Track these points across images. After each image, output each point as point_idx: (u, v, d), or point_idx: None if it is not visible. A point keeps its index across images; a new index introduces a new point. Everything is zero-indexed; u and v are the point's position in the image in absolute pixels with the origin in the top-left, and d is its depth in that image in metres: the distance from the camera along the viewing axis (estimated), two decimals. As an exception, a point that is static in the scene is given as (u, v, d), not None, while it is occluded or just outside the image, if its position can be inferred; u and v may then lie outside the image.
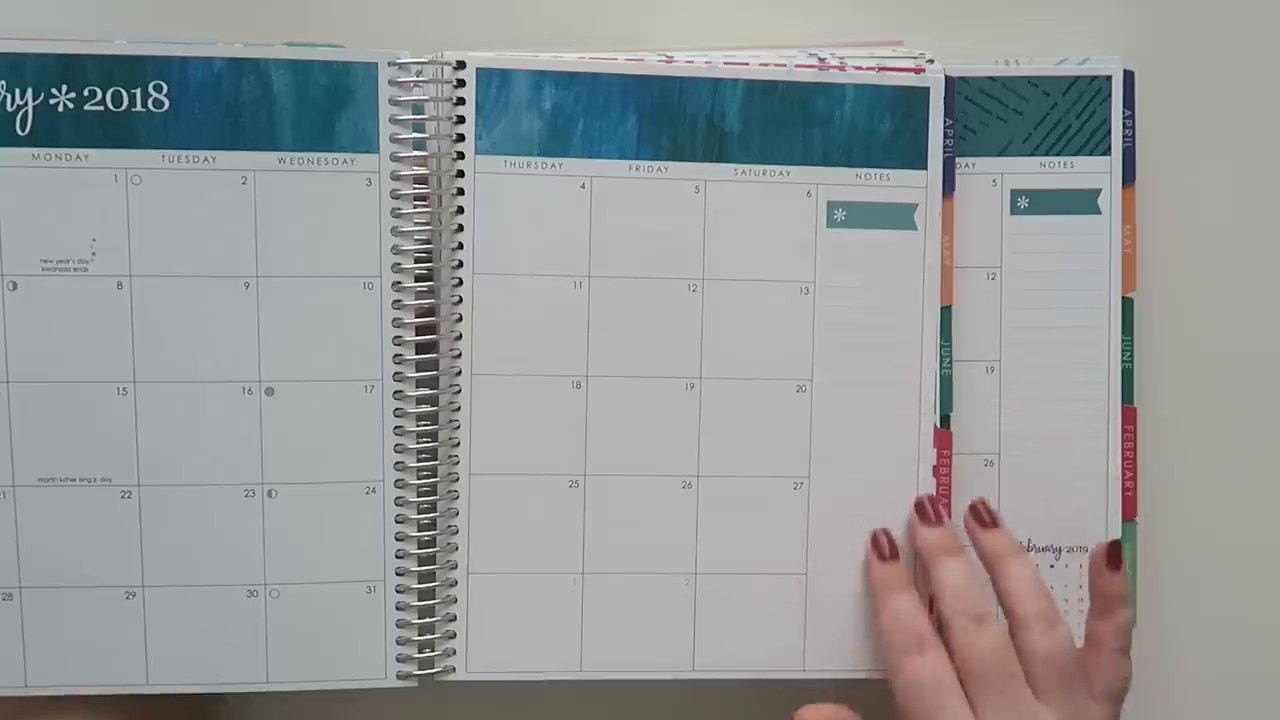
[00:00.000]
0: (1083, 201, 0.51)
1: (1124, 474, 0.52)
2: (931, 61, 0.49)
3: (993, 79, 0.51)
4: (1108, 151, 0.51)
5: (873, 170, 0.49)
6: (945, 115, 0.49)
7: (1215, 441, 0.54)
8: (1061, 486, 0.51)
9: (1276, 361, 0.55)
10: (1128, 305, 0.51)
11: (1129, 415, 0.52)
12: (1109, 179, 0.51)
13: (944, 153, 0.49)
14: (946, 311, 0.50)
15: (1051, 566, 0.52)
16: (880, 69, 0.49)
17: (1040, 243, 0.51)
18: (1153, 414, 0.53)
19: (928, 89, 0.49)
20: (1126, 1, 0.54)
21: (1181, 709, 0.55)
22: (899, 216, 0.50)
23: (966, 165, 0.51)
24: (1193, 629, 0.55)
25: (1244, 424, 0.54)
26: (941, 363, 0.50)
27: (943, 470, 0.50)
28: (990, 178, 0.51)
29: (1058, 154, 0.51)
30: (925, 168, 0.49)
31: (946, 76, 0.49)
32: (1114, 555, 0.48)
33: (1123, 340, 0.51)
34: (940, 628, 0.47)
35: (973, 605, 0.46)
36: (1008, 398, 0.51)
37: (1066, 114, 0.51)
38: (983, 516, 0.49)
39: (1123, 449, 0.51)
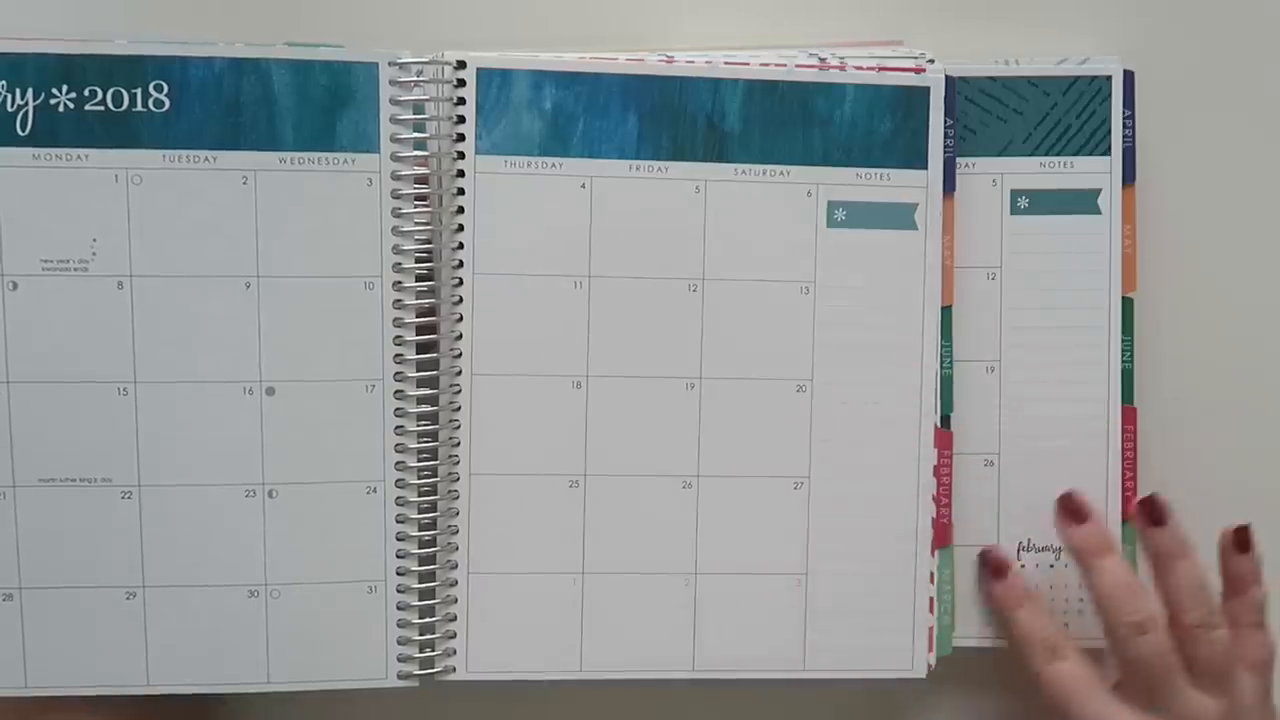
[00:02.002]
0: (1083, 201, 0.51)
1: (1124, 474, 0.52)
2: (932, 61, 0.49)
3: (993, 79, 0.51)
4: (1108, 151, 0.51)
5: (873, 170, 0.49)
6: (946, 115, 0.49)
7: (1215, 441, 0.54)
8: (1061, 486, 0.51)
9: (1276, 361, 0.55)
10: (1128, 305, 0.51)
11: (1129, 415, 0.52)
12: (1109, 179, 0.51)
13: (944, 153, 0.49)
14: (947, 311, 0.50)
15: (1051, 566, 0.52)
16: (880, 69, 0.49)
17: (1040, 243, 0.51)
18: (1153, 414, 0.53)
19: (928, 89, 0.49)
20: (1126, 1, 0.54)
21: None
22: (899, 216, 0.50)
23: (966, 165, 0.51)
24: None
25: (1244, 423, 0.54)
26: (942, 363, 0.50)
27: (943, 470, 0.50)
28: (990, 178, 0.51)
29: (1058, 154, 0.51)
30: (926, 167, 0.49)
31: (947, 76, 0.49)
32: (1242, 539, 0.49)
33: (1123, 340, 0.51)
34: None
35: (1130, 611, 0.48)
36: (1008, 398, 0.51)
37: (1066, 114, 0.51)
38: (1155, 513, 0.49)
39: (1123, 449, 0.52)
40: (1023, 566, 0.51)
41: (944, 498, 0.50)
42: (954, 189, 0.50)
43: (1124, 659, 0.48)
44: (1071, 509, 0.50)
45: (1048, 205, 0.51)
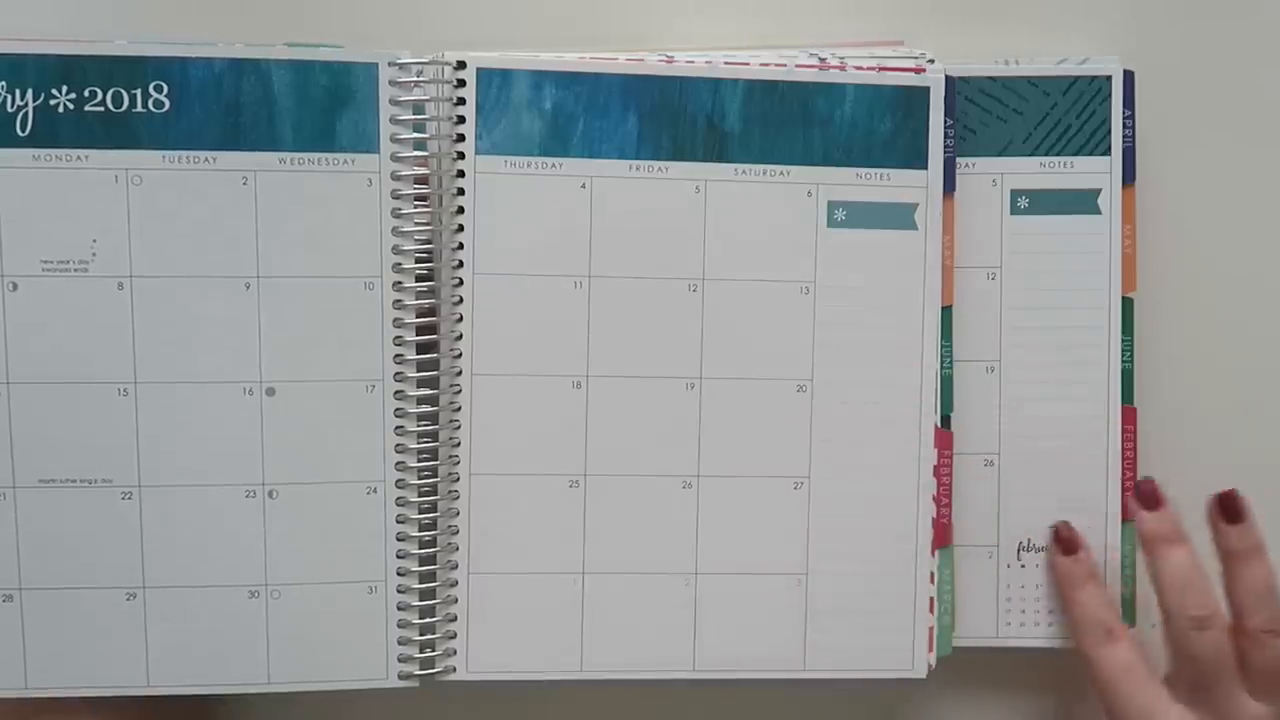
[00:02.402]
0: (1083, 201, 0.51)
1: (1124, 474, 0.51)
2: (932, 61, 0.49)
3: (993, 79, 0.51)
4: (1108, 151, 0.51)
5: (873, 170, 0.49)
6: (945, 115, 0.49)
7: (1215, 441, 0.54)
8: (1061, 486, 0.51)
9: (1276, 361, 0.55)
10: (1128, 305, 0.51)
11: (1129, 415, 0.52)
12: (1109, 179, 0.51)
13: (944, 152, 0.49)
14: (947, 311, 0.50)
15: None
16: (880, 69, 0.49)
17: (1040, 243, 0.51)
18: (1153, 414, 0.53)
19: (928, 89, 0.49)
20: (1126, 1, 0.54)
21: None
22: (899, 216, 0.50)
23: (966, 165, 0.51)
24: None
25: (1244, 424, 0.54)
26: (942, 362, 0.50)
27: (943, 470, 0.50)
28: (990, 178, 0.51)
29: (1058, 154, 0.51)
30: (926, 167, 0.49)
31: (947, 76, 0.49)
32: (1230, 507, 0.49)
33: (1123, 340, 0.51)
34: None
35: (1193, 606, 0.47)
36: (1008, 398, 0.51)
37: (1066, 114, 0.51)
38: (1230, 510, 0.48)
39: (1123, 449, 0.51)
40: (1023, 566, 0.51)
41: (944, 498, 0.50)
42: (954, 189, 0.50)
43: (1180, 652, 0.48)
44: (1146, 494, 0.50)
45: (1048, 205, 0.51)
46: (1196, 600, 0.47)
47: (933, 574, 0.50)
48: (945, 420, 0.50)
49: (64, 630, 0.47)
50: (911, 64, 0.49)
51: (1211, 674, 0.47)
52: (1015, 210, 0.51)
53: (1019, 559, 0.51)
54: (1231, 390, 0.54)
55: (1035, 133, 0.51)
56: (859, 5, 0.53)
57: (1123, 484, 0.52)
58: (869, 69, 0.49)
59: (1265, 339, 0.55)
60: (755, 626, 0.49)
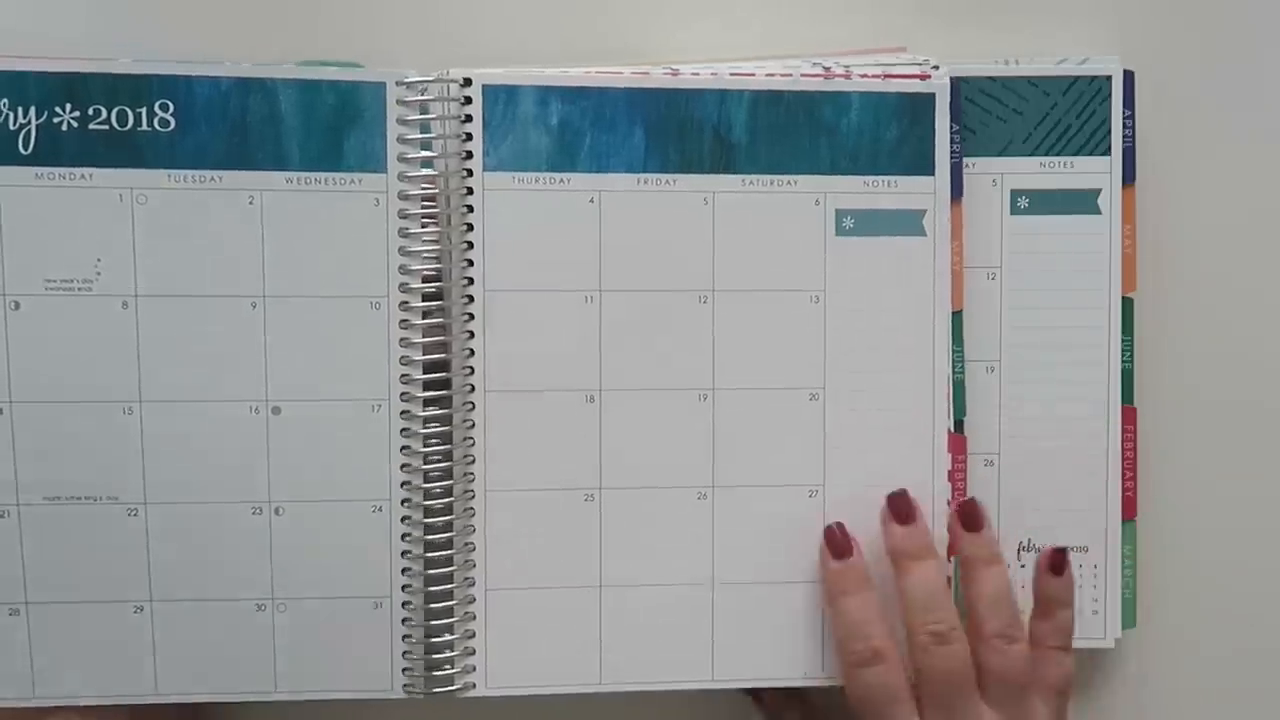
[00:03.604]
0: (1083, 201, 0.51)
1: (1124, 474, 0.52)
2: (936, 68, 0.49)
3: (993, 79, 0.51)
4: (1108, 151, 0.51)
5: (880, 177, 0.49)
6: (951, 120, 0.49)
7: (1215, 441, 0.54)
8: (1061, 486, 0.51)
9: (1276, 361, 0.55)
10: (1128, 305, 0.51)
11: (1129, 415, 0.52)
12: (1109, 179, 0.51)
13: (951, 158, 0.49)
14: (957, 316, 0.50)
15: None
16: (885, 76, 0.49)
17: (1040, 243, 0.51)
18: (1153, 414, 0.53)
19: (933, 95, 0.49)
20: (1126, 1, 0.54)
21: (1182, 708, 0.55)
22: (908, 223, 0.50)
23: (967, 165, 0.51)
24: (1193, 629, 0.55)
25: (1244, 424, 0.55)
26: (954, 367, 0.50)
27: (958, 475, 0.50)
28: (990, 178, 0.51)
29: (1058, 154, 0.51)
30: (933, 173, 0.49)
31: (952, 81, 0.49)
32: (1057, 562, 0.49)
33: (1123, 340, 0.51)
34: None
35: (935, 621, 0.47)
36: (1008, 398, 0.51)
37: (1066, 114, 0.51)
38: (968, 518, 0.49)
39: (1123, 449, 0.51)
40: (1023, 566, 0.51)
41: (958, 502, 0.50)
42: (961, 194, 0.50)
43: (920, 667, 0.47)
44: (898, 509, 0.49)
45: (1048, 205, 0.51)
46: (937, 614, 0.47)
47: (949, 579, 0.49)
48: (958, 425, 0.50)
49: (71, 641, 0.47)
50: (916, 70, 0.49)
51: (953, 689, 0.47)
52: (1015, 210, 0.51)
53: (1019, 559, 0.51)
54: (1231, 390, 0.54)
55: (1035, 133, 0.51)
56: (860, 6, 0.53)
57: (1123, 484, 0.51)
58: (874, 76, 0.49)
59: (1265, 339, 0.55)
60: (775, 634, 0.49)
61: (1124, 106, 0.51)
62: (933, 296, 0.50)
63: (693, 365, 0.49)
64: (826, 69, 0.49)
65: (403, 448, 0.47)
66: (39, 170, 0.45)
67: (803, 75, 0.49)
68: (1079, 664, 0.50)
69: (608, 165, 0.48)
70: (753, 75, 0.49)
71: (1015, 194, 0.51)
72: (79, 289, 0.46)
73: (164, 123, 0.45)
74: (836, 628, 0.48)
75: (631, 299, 0.49)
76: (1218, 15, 0.54)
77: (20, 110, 0.45)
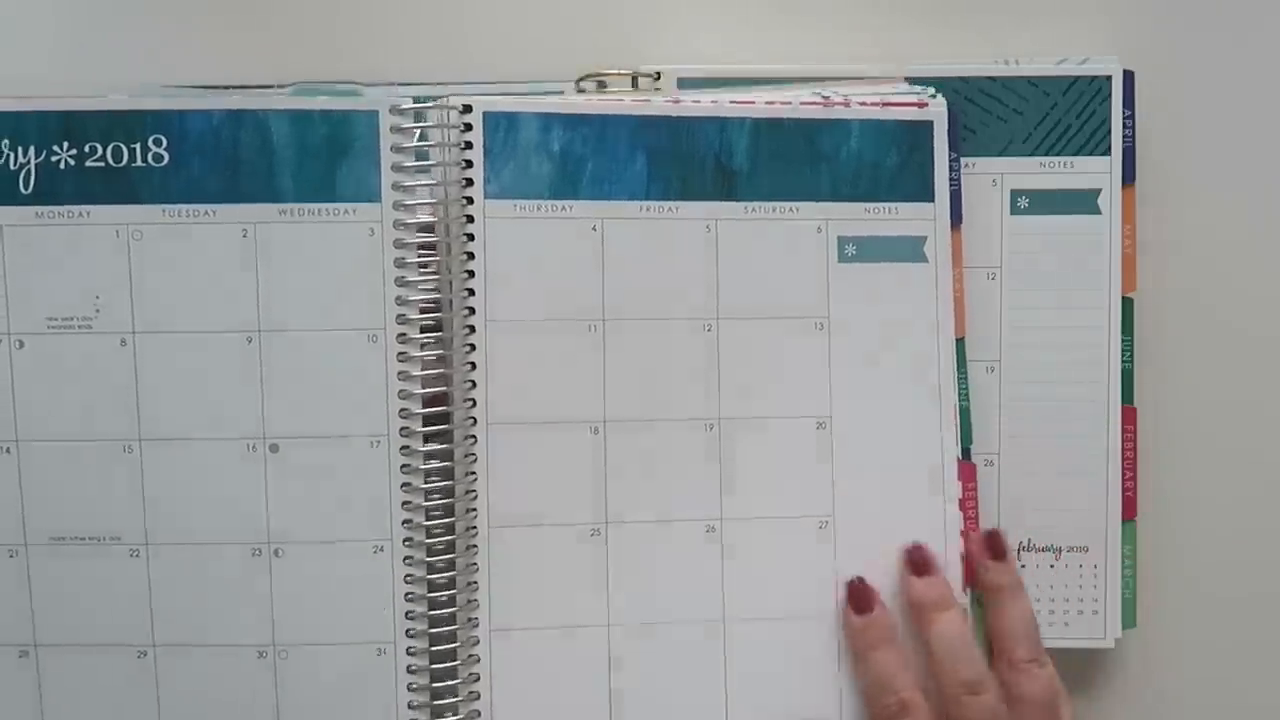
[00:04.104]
0: (1083, 201, 0.51)
1: (1124, 474, 0.51)
2: (934, 95, 0.49)
3: (993, 79, 0.51)
4: (1108, 151, 0.51)
5: (881, 204, 0.49)
6: (950, 149, 0.49)
7: (1215, 441, 0.54)
8: (1061, 486, 0.51)
9: (1276, 361, 0.55)
10: (1128, 305, 0.51)
11: (1129, 415, 0.52)
12: (1109, 179, 0.51)
13: (950, 185, 0.49)
14: (960, 343, 0.50)
15: (1051, 566, 0.51)
16: (884, 104, 0.49)
17: (1040, 243, 0.51)
18: (1153, 414, 0.53)
19: (931, 123, 0.49)
20: (1126, 1, 0.54)
21: (1182, 708, 0.55)
22: (909, 249, 0.49)
23: (967, 165, 0.51)
24: (1193, 629, 0.54)
25: (1244, 424, 0.54)
26: (959, 395, 0.50)
27: (968, 503, 0.49)
28: (990, 178, 0.51)
29: (1058, 154, 0.51)
30: (933, 200, 0.49)
31: (950, 110, 0.49)
32: (996, 546, 0.49)
33: (1123, 340, 0.51)
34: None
35: (966, 671, 0.46)
36: (1008, 398, 0.51)
37: (1066, 114, 0.51)
38: (995, 548, 0.49)
39: (1123, 449, 0.51)
40: (1023, 566, 0.51)
41: (971, 532, 0.49)
42: (961, 221, 0.50)
43: (955, 718, 0.46)
44: (916, 561, 0.48)
45: (1048, 205, 0.51)
46: (967, 667, 0.46)
47: (966, 610, 0.49)
48: (966, 452, 0.50)
49: (78, 686, 0.46)
50: (914, 98, 0.49)
51: None
52: (1015, 210, 0.51)
53: (1019, 559, 0.51)
54: (1231, 390, 0.54)
55: (1035, 133, 0.51)
56: (861, 6, 0.53)
57: (1123, 484, 0.51)
58: (873, 105, 0.49)
59: (1265, 339, 0.55)
60: (787, 672, 0.48)
61: (1124, 106, 0.51)
62: (936, 323, 0.49)
63: (698, 395, 0.48)
64: (826, 98, 0.49)
65: (403, 484, 0.46)
66: (39, 210, 0.45)
67: (802, 103, 0.49)
68: (1079, 664, 0.50)
69: (610, 192, 0.48)
70: (753, 103, 0.48)
71: (1015, 194, 0.51)
72: (79, 326, 0.45)
73: (158, 158, 0.45)
74: (864, 682, 0.48)
75: (635, 328, 0.48)
76: (1218, 15, 0.54)
77: (20, 150, 0.45)
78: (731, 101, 0.48)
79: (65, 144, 0.45)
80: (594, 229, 0.48)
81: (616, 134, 0.48)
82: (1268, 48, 0.54)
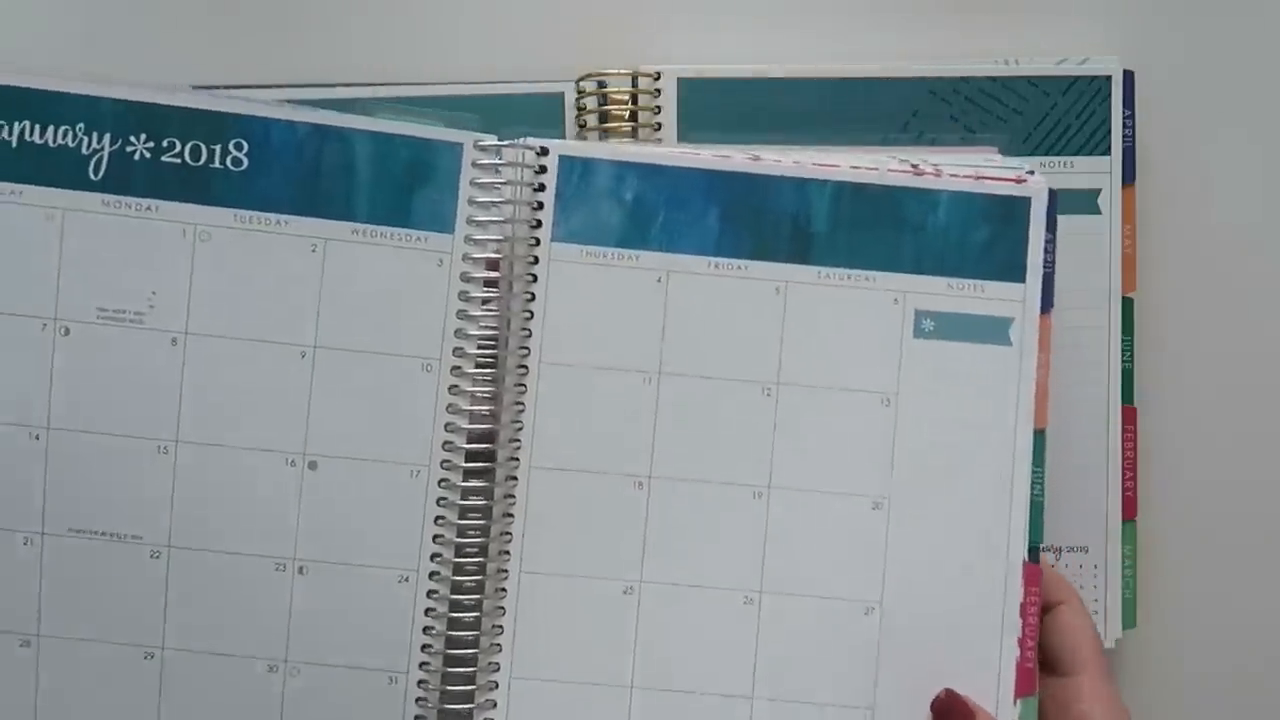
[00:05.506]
0: (1083, 201, 0.51)
1: (1124, 474, 0.51)
2: (1032, 172, 0.47)
3: (993, 79, 0.51)
4: (1108, 151, 0.51)
5: (966, 281, 0.47)
6: (1046, 229, 0.47)
7: (1215, 441, 0.54)
8: (1062, 486, 0.49)
9: (1276, 361, 0.54)
10: (1128, 305, 0.52)
11: (1129, 415, 0.52)
12: (1109, 179, 0.51)
13: (1044, 267, 0.47)
14: (1040, 435, 0.47)
15: (1052, 566, 0.50)
16: (978, 177, 0.47)
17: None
18: (1153, 414, 0.53)
19: (1028, 199, 0.47)
20: (1126, 1, 0.54)
21: (1182, 708, 0.54)
22: (992, 330, 0.47)
23: None
24: (1192, 628, 0.54)
25: (1244, 424, 0.54)
26: (1033, 489, 0.46)
27: (1030, 609, 0.46)
28: None
29: (1058, 154, 0.52)
30: (1023, 281, 0.47)
31: (1050, 190, 0.47)
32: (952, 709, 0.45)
33: (1123, 340, 0.51)
34: None
35: None
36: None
37: (1066, 114, 0.51)
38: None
39: (1123, 449, 0.51)
40: None
41: (1029, 640, 0.46)
42: (1052, 305, 0.47)
43: None
44: (954, 710, 0.45)
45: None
46: None
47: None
48: (1034, 551, 0.46)
49: (79, 680, 0.45)
50: (1011, 173, 0.47)
51: None
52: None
53: None
54: (1231, 390, 0.54)
55: (1035, 133, 0.51)
56: (860, 6, 0.54)
57: (1123, 484, 0.51)
58: (966, 176, 0.47)
59: (1265, 339, 0.55)
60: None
61: (1124, 106, 0.52)
62: (1015, 411, 0.46)
63: (750, 459, 0.46)
64: (915, 165, 0.47)
65: (437, 518, 0.45)
66: (106, 198, 0.45)
67: (889, 171, 0.47)
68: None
69: (679, 245, 0.47)
70: (836, 166, 0.47)
71: None
72: (130, 320, 0.45)
73: (236, 161, 0.45)
74: None
75: (692, 384, 0.46)
76: (1218, 15, 0.54)
77: (95, 136, 0.45)
78: (814, 163, 0.47)
79: (143, 135, 0.45)
80: (659, 281, 0.47)
81: (691, 187, 0.47)
82: (1268, 47, 0.55)
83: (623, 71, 0.52)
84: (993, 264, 0.47)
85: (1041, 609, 0.47)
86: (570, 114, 0.52)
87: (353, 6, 0.53)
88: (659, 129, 0.52)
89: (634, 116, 0.52)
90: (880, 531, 0.46)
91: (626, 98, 0.52)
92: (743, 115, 0.52)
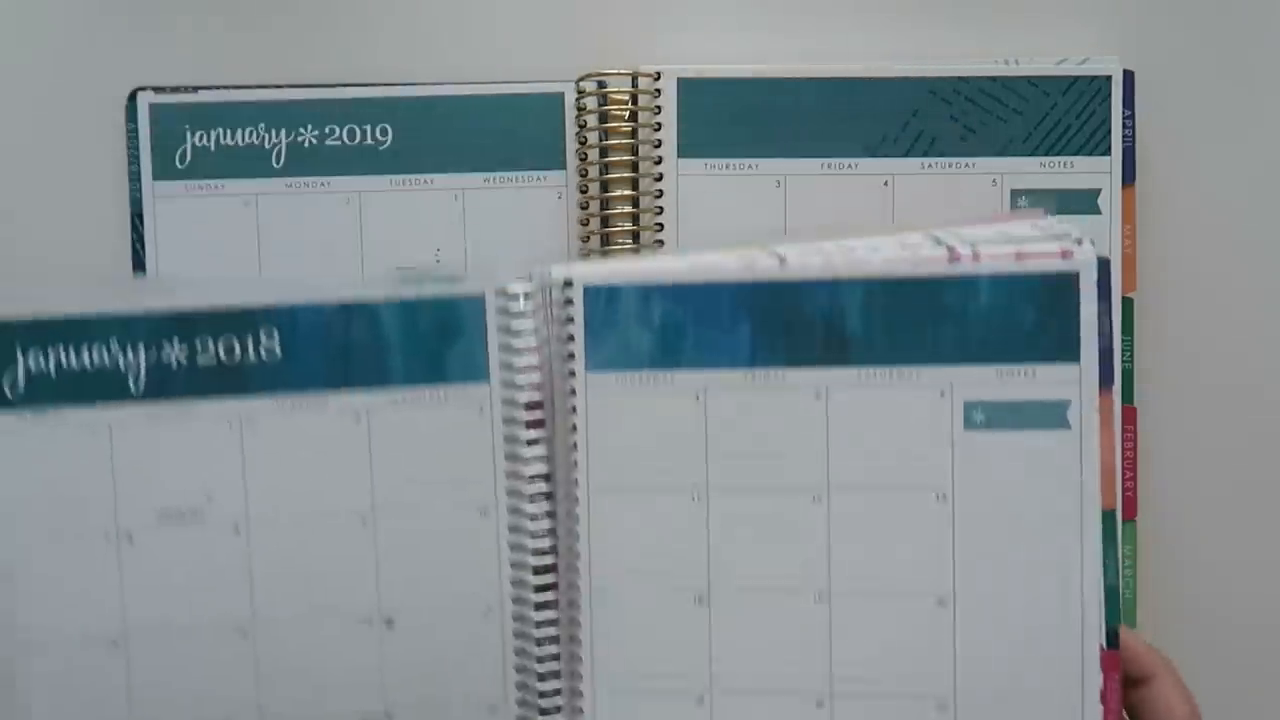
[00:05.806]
0: (1083, 201, 0.51)
1: (1124, 474, 0.51)
2: (1079, 242, 0.44)
3: (993, 79, 0.52)
4: (1108, 151, 0.51)
5: (1016, 366, 0.45)
6: (1099, 299, 0.44)
7: (1215, 441, 0.55)
8: None
9: (1277, 361, 0.54)
10: (1128, 305, 0.52)
11: (1129, 415, 0.53)
12: (1109, 179, 0.52)
13: (1099, 340, 0.44)
14: (1109, 515, 0.45)
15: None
16: (1019, 255, 0.44)
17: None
18: (1153, 414, 0.54)
19: (1076, 274, 0.44)
20: (1126, 1, 0.53)
21: None
22: (1049, 415, 0.45)
23: (966, 165, 0.51)
24: (1192, 628, 0.55)
25: (1244, 424, 0.55)
26: (1107, 572, 0.45)
27: (1110, 695, 0.45)
28: (990, 178, 0.51)
29: (1058, 154, 0.52)
30: (1077, 361, 0.44)
31: (1100, 258, 0.44)
32: None
33: (1123, 340, 0.51)
34: None
35: None
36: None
37: (1066, 114, 0.51)
38: None
39: (1123, 449, 0.52)
40: None
41: (1112, 725, 0.45)
42: (1112, 381, 0.44)
43: None
44: None
45: (1048, 205, 0.50)
46: None
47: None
48: (1112, 637, 0.45)
49: None
50: (1055, 246, 0.44)
51: None
52: (1016, 209, 0.51)
53: None
54: (1231, 390, 0.55)
55: (1035, 133, 0.51)
56: (860, 7, 0.54)
57: (1123, 484, 0.52)
58: (1006, 254, 0.44)
59: (1265, 339, 0.55)
60: None
61: (1124, 106, 0.52)
62: (1079, 495, 0.45)
63: (807, 567, 0.46)
64: (950, 248, 0.45)
65: (517, 650, 0.47)
66: (149, 410, 0.46)
67: (924, 256, 0.45)
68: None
69: (713, 361, 0.46)
70: (867, 261, 0.45)
71: (1015, 194, 0.52)
72: (190, 518, 0.47)
73: (269, 351, 0.46)
74: None
75: (740, 498, 0.46)
76: (1218, 15, 0.54)
77: (129, 350, 0.46)
78: (843, 259, 0.45)
79: (175, 339, 0.46)
80: (697, 398, 0.46)
81: (718, 302, 0.46)
82: (1268, 48, 0.53)
83: (623, 71, 0.52)
84: (1043, 346, 0.44)
85: (1133, 683, 0.46)
86: (570, 114, 0.52)
87: (353, 7, 0.54)
88: (658, 128, 0.52)
89: (634, 117, 0.51)
90: (947, 628, 0.46)
91: (626, 98, 0.52)
92: (743, 115, 0.53)
